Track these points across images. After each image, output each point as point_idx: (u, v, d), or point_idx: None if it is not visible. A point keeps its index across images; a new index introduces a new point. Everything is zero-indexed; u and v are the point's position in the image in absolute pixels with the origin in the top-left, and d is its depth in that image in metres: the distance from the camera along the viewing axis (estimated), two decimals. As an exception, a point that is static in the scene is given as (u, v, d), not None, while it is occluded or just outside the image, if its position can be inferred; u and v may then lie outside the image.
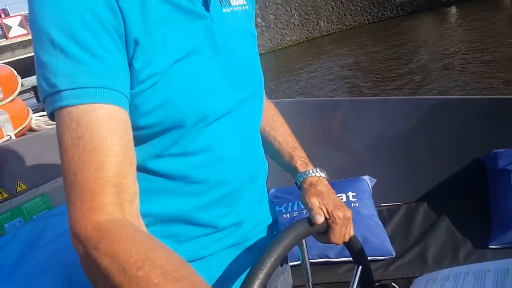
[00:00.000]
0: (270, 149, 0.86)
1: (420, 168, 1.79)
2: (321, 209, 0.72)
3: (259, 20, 18.41)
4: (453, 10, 15.02)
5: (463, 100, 1.76)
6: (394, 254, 1.48)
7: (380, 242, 1.48)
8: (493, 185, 1.58)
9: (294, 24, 18.72)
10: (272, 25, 18.59)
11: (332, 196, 0.75)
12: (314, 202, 0.73)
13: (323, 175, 0.80)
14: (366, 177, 1.78)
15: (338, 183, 1.71)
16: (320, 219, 0.70)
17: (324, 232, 0.74)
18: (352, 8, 18.03)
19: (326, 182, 0.79)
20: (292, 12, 18.54)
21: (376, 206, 1.71)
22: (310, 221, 0.71)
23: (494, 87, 5.24)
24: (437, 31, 11.50)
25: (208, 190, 0.65)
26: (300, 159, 0.82)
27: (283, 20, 18.61)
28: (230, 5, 0.66)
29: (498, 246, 1.40)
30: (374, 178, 1.81)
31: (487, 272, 0.60)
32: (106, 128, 0.47)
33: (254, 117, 0.73)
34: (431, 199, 1.75)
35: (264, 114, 0.83)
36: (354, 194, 1.62)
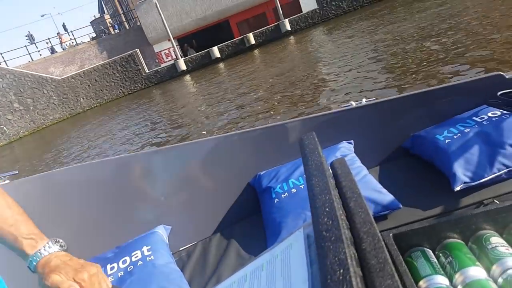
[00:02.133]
0: None
1: (207, 205, 1.89)
2: (67, 279, 0.67)
3: (16, 105, 18.88)
4: (188, 78, 19.40)
5: (228, 136, 1.91)
6: None
7: None
8: (262, 202, 1.73)
9: (54, 104, 19.97)
10: (31, 108, 19.30)
11: (70, 263, 0.70)
12: (55, 279, 0.67)
13: (56, 248, 0.73)
14: (160, 227, 1.79)
15: (132, 242, 1.70)
16: None
17: None
18: (107, 83, 20.74)
19: (61, 253, 0.73)
20: (50, 93, 19.82)
21: (174, 253, 1.76)
22: None
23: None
24: (182, 93, 15.02)
25: None
26: (26, 238, 0.72)
27: (42, 102, 19.62)
28: None
29: None
30: (169, 226, 1.84)
31: (262, 266, 0.57)
32: None
33: None
34: (221, 229, 1.85)
35: None
36: (149, 247, 1.62)
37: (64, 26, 29.63)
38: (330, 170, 0.68)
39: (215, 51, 20.31)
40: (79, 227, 1.79)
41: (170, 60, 22.93)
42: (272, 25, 20.38)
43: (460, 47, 6.19)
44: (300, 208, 1.51)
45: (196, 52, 21.52)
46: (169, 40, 21.39)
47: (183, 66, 20.40)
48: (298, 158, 1.79)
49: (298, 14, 20.32)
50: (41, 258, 0.70)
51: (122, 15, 26.25)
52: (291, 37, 19.37)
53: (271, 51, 16.68)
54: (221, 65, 19.27)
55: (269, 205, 1.65)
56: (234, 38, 21.15)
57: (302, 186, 1.61)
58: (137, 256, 1.58)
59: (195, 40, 23.80)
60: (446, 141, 1.57)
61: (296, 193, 1.60)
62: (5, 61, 22.41)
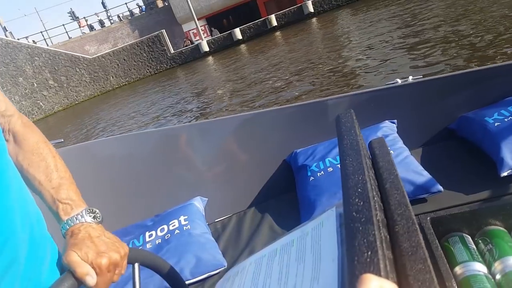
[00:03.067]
0: (32, 190, 0.73)
1: (243, 179, 1.91)
2: (84, 261, 0.63)
3: (51, 82, 20.32)
4: (210, 58, 19.80)
5: (266, 112, 1.92)
6: (226, 265, 1.52)
7: (212, 257, 1.52)
8: (297, 180, 1.73)
9: (86, 82, 21.26)
10: (65, 85, 20.70)
11: (96, 241, 0.66)
12: (73, 258, 0.62)
13: (89, 218, 0.70)
14: (197, 198, 1.84)
15: (170, 211, 1.75)
16: (90, 280, 0.62)
17: None
18: (135, 63, 21.68)
19: (93, 226, 0.69)
20: (82, 71, 21.08)
21: (210, 224, 1.81)
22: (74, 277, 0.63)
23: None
24: (208, 73, 15.59)
25: None
26: (63, 202, 0.70)
27: (74, 80, 20.96)
28: None
29: None
30: (206, 197, 1.88)
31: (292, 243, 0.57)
32: None
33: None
34: (256, 204, 1.87)
35: (22, 146, 0.74)
36: (186, 217, 1.66)
37: (103, 3, 30.76)
38: (368, 149, 0.66)
39: (237, 33, 20.53)
40: (121, 195, 1.87)
41: (198, 40, 23.44)
42: (295, 6, 20.16)
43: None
44: (335, 187, 1.51)
45: (221, 33, 21.83)
46: (194, 20, 21.83)
47: (205, 48, 20.85)
48: (336, 137, 2.10)
49: (322, -5, 19.92)
50: (71, 226, 0.68)
51: (153, -6, 26.88)
52: (314, 19, 19.14)
53: (292, 33, 16.73)
54: (243, 46, 19.54)
55: (304, 183, 1.64)
56: (261, 18, 21.18)
57: (339, 166, 1.56)
58: (174, 225, 1.64)
59: (225, 20, 24.10)
60: (496, 123, 1.49)
61: (333, 172, 1.59)
62: (45, 39, 23.95)
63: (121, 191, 1.88)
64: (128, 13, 27.75)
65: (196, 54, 21.15)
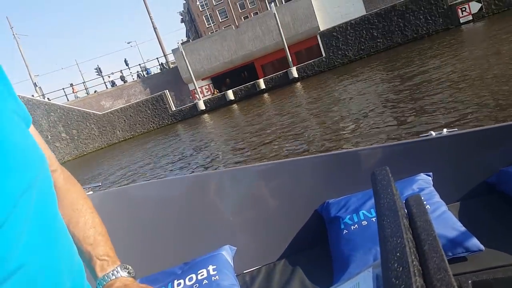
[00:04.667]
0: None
1: (273, 229, 1.85)
2: None
3: (64, 135, 22.92)
4: (206, 116, 21.65)
5: (297, 161, 1.89)
6: None
7: None
8: (330, 232, 1.67)
9: (95, 135, 23.72)
10: (76, 138, 23.23)
11: None
12: None
13: (124, 273, 0.75)
14: (226, 247, 1.78)
15: (199, 260, 1.71)
16: None
17: None
18: (140, 119, 24.04)
19: (126, 280, 0.74)
20: (92, 126, 23.62)
21: (238, 275, 1.75)
22: None
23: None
24: (203, 128, 17.38)
25: None
26: (100, 259, 0.75)
27: (85, 133, 23.48)
28: None
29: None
30: (234, 246, 1.81)
31: None
32: None
33: (47, 201, 0.64)
34: (286, 256, 1.80)
35: (63, 202, 0.76)
36: (214, 267, 1.63)
37: (125, 61, 34.15)
38: (404, 208, 0.64)
39: (230, 94, 22.58)
40: (150, 240, 1.86)
41: (203, 97, 25.70)
42: (281, 72, 22.07)
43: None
44: (370, 243, 1.45)
45: (225, 90, 23.99)
46: (193, 82, 24.19)
47: (202, 106, 22.95)
48: (370, 188, 1.41)
49: (306, 63, 21.79)
50: (107, 281, 0.73)
51: (164, 56, 29.80)
52: (298, 83, 20.88)
53: (279, 95, 18.56)
54: (235, 106, 21.44)
55: (337, 236, 1.59)
56: (259, 79, 23.21)
57: (374, 219, 1.53)
58: (202, 275, 1.61)
59: (228, 79, 26.42)
60: None
61: (367, 226, 1.53)
62: (66, 94, 27.04)
63: (151, 236, 1.89)
64: (145, 70, 30.75)
65: (194, 112, 23.26)
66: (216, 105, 22.95)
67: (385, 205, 0.58)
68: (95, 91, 28.31)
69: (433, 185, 1.65)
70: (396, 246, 0.47)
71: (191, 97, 27.14)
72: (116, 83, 31.24)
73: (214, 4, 60.39)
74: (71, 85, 29.33)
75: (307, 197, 1.85)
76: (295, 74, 21.67)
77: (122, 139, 24.12)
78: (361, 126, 7.09)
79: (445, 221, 1.44)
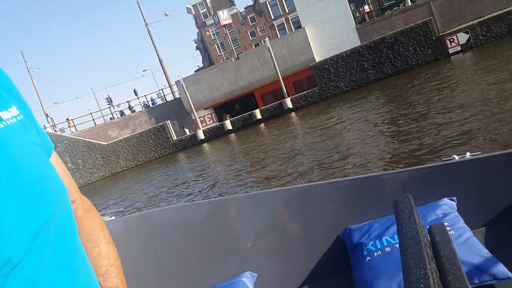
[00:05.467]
0: None
1: (294, 255, 1.83)
2: None
3: (70, 164, 23.92)
4: (206, 145, 22.43)
5: (318, 186, 1.89)
6: None
7: None
8: (352, 259, 1.65)
9: (99, 164, 24.67)
10: (81, 167, 24.21)
11: None
12: None
13: None
14: (247, 274, 1.75)
15: (219, 287, 1.69)
16: None
17: None
18: (142, 148, 24.92)
19: None
20: (96, 156, 24.61)
21: None
22: None
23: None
24: (203, 156, 18.19)
25: None
26: None
27: (90, 162, 24.46)
28: (1, 119, 0.59)
29: None
30: (255, 273, 1.79)
31: None
32: None
33: (67, 232, 0.65)
34: (308, 283, 1.77)
35: (80, 232, 0.75)
36: None
37: (135, 91, 35.51)
38: (428, 236, 0.63)
39: (227, 124, 23.28)
40: (171, 265, 1.84)
41: (205, 126, 26.50)
42: (276, 102, 22.71)
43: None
44: (394, 270, 1.42)
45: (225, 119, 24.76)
46: (193, 112, 25.04)
47: (201, 136, 23.71)
48: (393, 214, 1.54)
49: (299, 94, 22.40)
50: None
51: (169, 87, 30.92)
52: (293, 113, 21.47)
53: (273, 125, 19.35)
54: (233, 135, 22.12)
55: (360, 263, 1.57)
56: (259, 108, 23.92)
57: (397, 246, 1.50)
58: None
59: (238, 106, 27.34)
60: None
61: (391, 253, 1.51)
62: (75, 125, 28.29)
63: (172, 261, 1.88)
64: (151, 101, 31.92)
65: (193, 141, 24.02)
66: (215, 135, 23.68)
67: (408, 235, 0.57)
68: (105, 120, 29.57)
69: (457, 210, 1.62)
70: (420, 277, 0.47)
71: (194, 126, 27.98)
72: (125, 112, 32.48)
73: (226, 32, 62.35)
74: (67, 119, 30.67)
75: (329, 223, 1.83)
76: (290, 105, 22.27)
77: (126, 168, 24.97)
78: (352, 153, 7.72)
79: (471, 247, 1.40)
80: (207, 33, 63.20)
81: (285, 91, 23.12)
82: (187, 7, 62.38)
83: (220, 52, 62.93)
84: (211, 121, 27.79)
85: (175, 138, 24.90)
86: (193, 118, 27.87)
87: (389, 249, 1.52)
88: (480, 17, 19.41)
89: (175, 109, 28.66)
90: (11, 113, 0.61)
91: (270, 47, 23.55)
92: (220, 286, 1.69)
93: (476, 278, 1.30)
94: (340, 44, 23.17)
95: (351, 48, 21.53)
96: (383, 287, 1.41)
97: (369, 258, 1.54)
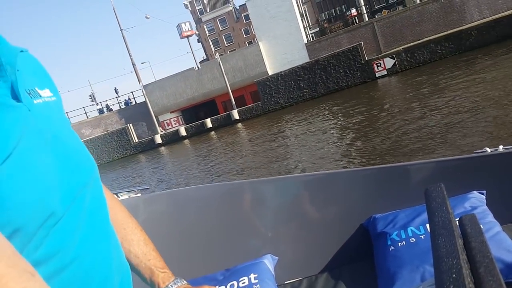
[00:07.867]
0: (128, 262, 0.80)
1: (316, 240, 1.82)
2: None
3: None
4: (163, 148, 24.47)
5: (344, 173, 1.90)
6: None
7: None
8: (375, 247, 1.63)
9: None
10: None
11: None
12: None
13: (183, 282, 0.87)
14: (268, 256, 1.76)
15: (241, 267, 1.70)
16: None
17: None
18: (106, 149, 27.02)
19: (187, 286, 0.87)
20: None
21: (279, 285, 1.73)
22: None
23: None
24: (160, 158, 20.30)
25: None
26: (161, 272, 0.85)
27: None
28: (40, 96, 0.64)
29: None
30: (276, 256, 1.79)
31: None
32: None
33: (100, 202, 0.71)
34: (329, 269, 1.77)
35: (112, 220, 0.77)
36: (256, 275, 1.61)
37: (115, 90, 37.53)
38: (459, 228, 0.61)
39: (182, 131, 25.24)
40: (194, 244, 1.90)
41: (171, 128, 28.47)
42: (224, 113, 24.52)
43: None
44: (418, 261, 1.39)
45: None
46: (154, 116, 26.98)
47: (158, 140, 25.68)
48: (419, 205, 1.61)
49: (245, 107, 24.15)
50: None
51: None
52: (240, 124, 23.26)
53: (222, 133, 21.35)
54: (187, 141, 24.07)
55: (383, 252, 1.54)
56: (219, 114, 25.82)
57: (422, 237, 1.47)
58: (244, 282, 1.60)
59: (195, 113, 29.21)
60: None
61: (415, 244, 1.47)
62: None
63: (195, 240, 1.91)
64: (124, 102, 33.91)
65: (152, 145, 26.01)
66: (171, 140, 25.61)
67: (440, 224, 0.57)
68: (88, 117, 31.75)
69: (487, 204, 1.58)
70: (452, 267, 0.46)
71: (160, 128, 29.98)
72: (104, 111, 34.57)
73: (221, 29, 63.57)
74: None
75: (353, 210, 1.81)
76: (236, 116, 24.03)
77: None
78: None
79: (500, 242, 1.35)
80: (204, 28, 64.72)
81: (233, 102, 24.86)
82: (184, 3, 63.90)
83: (214, 48, 64.42)
84: (177, 124, 29.75)
85: (136, 140, 26.90)
86: (161, 120, 29.89)
87: (414, 239, 1.49)
88: (407, 43, 20.80)
89: (145, 111, 30.62)
90: (46, 94, 0.67)
91: (220, 62, 25.30)
92: (241, 266, 1.71)
93: (504, 275, 1.24)
94: (291, 60, 24.73)
95: (301, 63, 23.08)
96: (406, 278, 1.39)
97: (393, 247, 1.52)
